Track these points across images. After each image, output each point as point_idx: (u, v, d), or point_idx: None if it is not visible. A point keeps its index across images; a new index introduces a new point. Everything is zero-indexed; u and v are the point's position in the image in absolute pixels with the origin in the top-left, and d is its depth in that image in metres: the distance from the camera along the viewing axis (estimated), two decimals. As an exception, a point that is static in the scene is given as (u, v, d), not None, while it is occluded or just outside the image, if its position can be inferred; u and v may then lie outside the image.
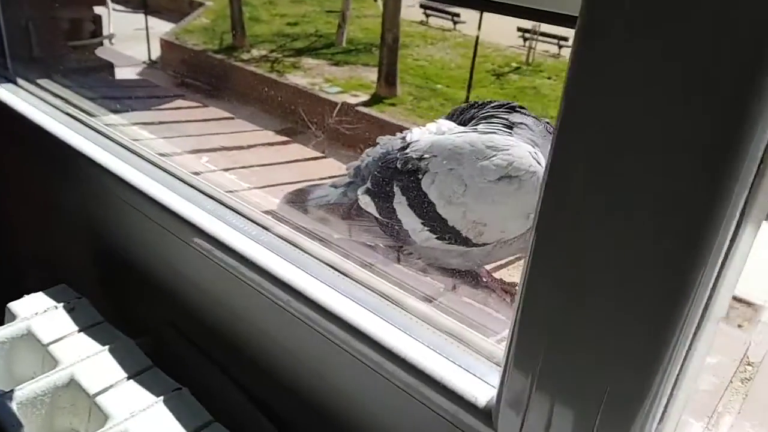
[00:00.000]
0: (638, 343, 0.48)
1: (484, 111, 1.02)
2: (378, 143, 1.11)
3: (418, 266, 1.12)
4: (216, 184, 1.31)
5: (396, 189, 1.00)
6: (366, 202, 1.05)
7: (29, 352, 0.93)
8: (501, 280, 1.10)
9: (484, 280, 1.10)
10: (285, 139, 1.72)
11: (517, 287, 1.08)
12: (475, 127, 0.99)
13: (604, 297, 0.49)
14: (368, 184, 1.05)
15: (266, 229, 1.03)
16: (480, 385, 0.67)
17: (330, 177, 1.54)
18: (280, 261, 0.92)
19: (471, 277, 1.10)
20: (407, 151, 1.01)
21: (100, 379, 0.86)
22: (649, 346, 0.48)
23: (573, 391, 0.54)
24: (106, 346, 0.91)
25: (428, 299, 1.01)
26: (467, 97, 9.09)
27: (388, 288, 0.86)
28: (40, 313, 0.96)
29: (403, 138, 1.07)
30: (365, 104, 10.13)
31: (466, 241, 0.98)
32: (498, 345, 0.75)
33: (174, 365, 0.95)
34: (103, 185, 1.13)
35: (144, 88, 1.92)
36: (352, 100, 9.98)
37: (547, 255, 0.51)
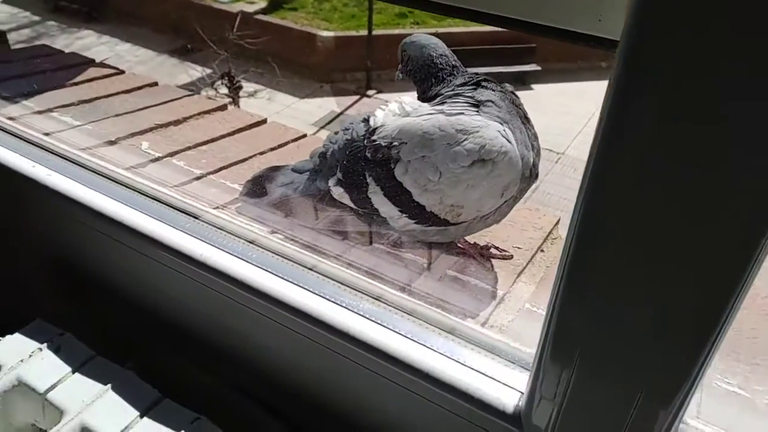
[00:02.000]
0: (674, 352, 0.53)
1: (448, 89, 1.01)
2: (339, 130, 1.08)
3: (394, 241, 1.14)
4: (164, 175, 1.25)
5: (369, 179, 1.00)
6: (339, 194, 1.04)
7: (26, 402, 0.90)
8: (475, 244, 1.14)
9: (461, 246, 1.13)
10: (221, 103, 1.63)
11: (497, 250, 1.13)
12: (440, 107, 0.98)
13: (640, 312, 0.52)
14: (338, 175, 1.03)
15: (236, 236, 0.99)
16: (503, 389, 0.72)
17: (278, 145, 1.49)
18: (264, 273, 0.91)
19: (448, 249, 1.14)
20: (374, 138, 0.99)
21: (113, 422, 0.84)
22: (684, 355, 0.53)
23: (608, 392, 0.59)
24: (108, 385, 0.89)
25: (405, 286, 1.04)
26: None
27: (389, 294, 0.88)
28: (26, 359, 0.92)
29: (366, 121, 1.05)
30: (264, 12, 9.61)
31: (444, 222, 1.00)
32: (504, 341, 0.79)
33: (173, 385, 0.95)
34: (49, 205, 1.05)
35: (43, 59, 1.73)
36: (249, 9, 9.43)
37: (586, 266, 0.53)
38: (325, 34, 9.38)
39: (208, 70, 8.09)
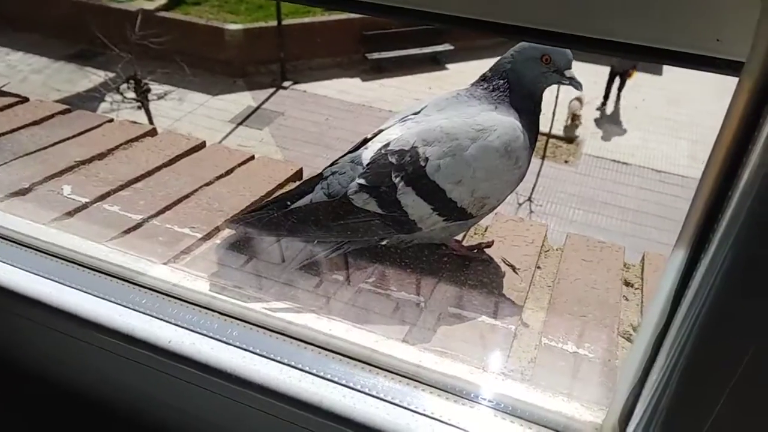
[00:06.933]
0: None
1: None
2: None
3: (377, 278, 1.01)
4: (94, 230, 1.05)
5: (398, 181, 0.96)
6: (364, 200, 0.97)
7: None
8: (460, 244, 1.11)
9: (455, 251, 1.09)
10: (148, 128, 1.42)
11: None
12: (456, 110, 1.00)
13: None
14: (360, 180, 0.98)
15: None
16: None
17: (226, 172, 1.31)
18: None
19: (449, 272, 1.02)
20: (392, 146, 0.97)
21: None
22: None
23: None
24: None
25: (404, 341, 0.92)
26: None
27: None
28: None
29: (374, 137, 1.02)
30: (165, 8, 9.09)
31: (469, 216, 1.00)
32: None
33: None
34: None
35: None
36: (150, 6, 8.89)
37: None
38: (233, 27, 9.01)
39: (112, 74, 7.58)
